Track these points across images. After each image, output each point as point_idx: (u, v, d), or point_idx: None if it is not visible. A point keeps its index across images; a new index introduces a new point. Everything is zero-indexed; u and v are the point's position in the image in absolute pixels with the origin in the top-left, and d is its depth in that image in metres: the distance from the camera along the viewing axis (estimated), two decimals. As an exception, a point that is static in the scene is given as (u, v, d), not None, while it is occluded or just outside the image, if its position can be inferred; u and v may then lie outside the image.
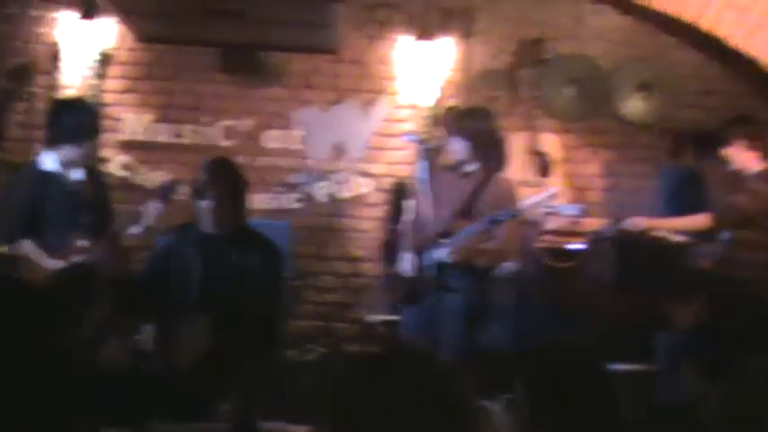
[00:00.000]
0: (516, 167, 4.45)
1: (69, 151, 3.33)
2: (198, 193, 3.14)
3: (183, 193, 3.50)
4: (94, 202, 3.42)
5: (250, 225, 3.36)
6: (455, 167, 3.52)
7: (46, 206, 3.36)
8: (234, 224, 3.20)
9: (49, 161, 3.36)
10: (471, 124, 3.50)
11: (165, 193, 3.41)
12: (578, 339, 4.04)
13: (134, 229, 3.30)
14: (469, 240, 3.40)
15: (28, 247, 3.34)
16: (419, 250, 3.56)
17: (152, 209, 3.29)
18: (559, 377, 1.63)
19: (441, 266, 3.45)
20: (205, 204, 3.10)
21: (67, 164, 3.36)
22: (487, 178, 3.47)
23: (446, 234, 3.45)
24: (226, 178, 3.17)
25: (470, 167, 3.47)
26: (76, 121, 3.36)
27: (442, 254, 3.42)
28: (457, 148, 3.45)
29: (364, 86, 4.68)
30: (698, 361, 4.01)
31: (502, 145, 3.61)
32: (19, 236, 3.36)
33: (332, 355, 4.47)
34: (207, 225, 3.15)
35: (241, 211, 3.25)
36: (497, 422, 2.70)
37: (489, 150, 3.50)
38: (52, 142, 3.36)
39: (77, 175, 3.39)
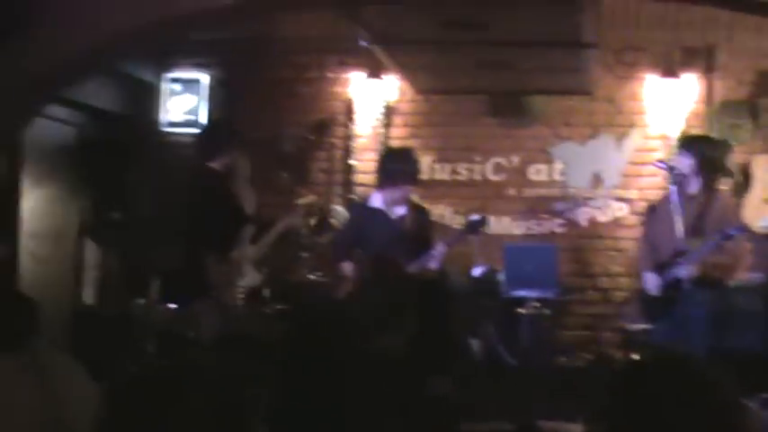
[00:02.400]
0: (760, 186, 7.89)
1: (391, 192, 6.11)
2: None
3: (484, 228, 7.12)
4: (413, 234, 6.16)
5: None
6: (681, 184, 5.98)
7: (368, 236, 6.13)
8: None
9: (376, 200, 6.20)
10: (696, 145, 6.15)
11: (473, 227, 6.52)
12: None
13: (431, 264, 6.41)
14: (704, 256, 5.82)
15: (348, 269, 6.18)
16: (659, 268, 6.14)
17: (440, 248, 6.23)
18: None
19: (681, 282, 5.97)
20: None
21: (390, 203, 6.12)
22: (711, 199, 5.97)
23: (681, 253, 5.95)
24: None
25: (693, 187, 5.98)
26: (397, 167, 6.11)
27: (681, 271, 5.96)
28: (682, 164, 6.03)
29: (617, 122, 8.20)
30: None
31: (725, 170, 6.59)
32: (342, 259, 6.24)
33: (598, 361, 7.78)
34: None
35: None
36: (758, 420, 4.85)
37: (711, 172, 6.05)
38: (379, 184, 6.24)
39: (399, 211, 6.16)
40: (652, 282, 6.21)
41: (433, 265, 6.18)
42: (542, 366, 7.31)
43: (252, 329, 6.32)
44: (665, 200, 6.24)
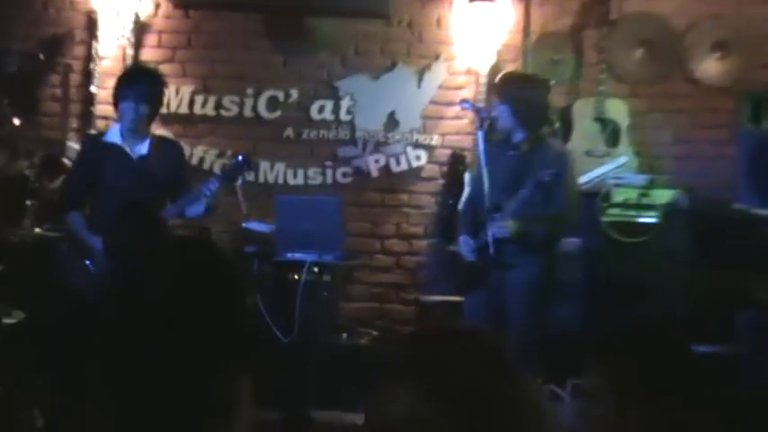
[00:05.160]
0: (581, 136, 8.15)
1: (121, 117, 6.16)
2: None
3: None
4: (160, 176, 6.16)
5: None
6: (504, 137, 6.36)
7: (102, 179, 6.14)
8: None
9: (113, 134, 6.22)
10: (515, 91, 6.35)
11: (234, 171, 6.37)
12: (656, 321, 6.16)
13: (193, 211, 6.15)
14: (522, 210, 6.07)
15: (75, 222, 6.17)
16: (476, 229, 6.33)
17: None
18: (647, 362, 2.68)
19: (498, 243, 6.15)
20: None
21: (128, 134, 6.18)
22: (536, 146, 6.28)
23: (498, 208, 6.14)
24: None
25: (517, 136, 6.27)
26: (118, 83, 6.19)
27: (496, 229, 6.13)
28: (502, 115, 6.30)
29: (417, 52, 8.24)
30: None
31: (549, 112, 6.69)
32: (68, 207, 6.22)
33: (384, 338, 7.90)
34: None
35: None
36: (562, 413, 5.19)
37: (535, 118, 6.35)
38: (117, 113, 6.29)
39: (141, 149, 6.20)
40: (466, 245, 6.47)
41: (191, 213, 6.33)
42: (320, 345, 7.44)
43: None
44: (494, 146, 6.60)
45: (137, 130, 6.31)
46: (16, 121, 7.51)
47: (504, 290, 6.33)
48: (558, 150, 6.57)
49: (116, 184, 6.24)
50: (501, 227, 6.18)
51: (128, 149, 6.30)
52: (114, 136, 6.35)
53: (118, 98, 6.31)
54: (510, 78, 6.83)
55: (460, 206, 7.33)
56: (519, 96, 6.41)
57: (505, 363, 2.02)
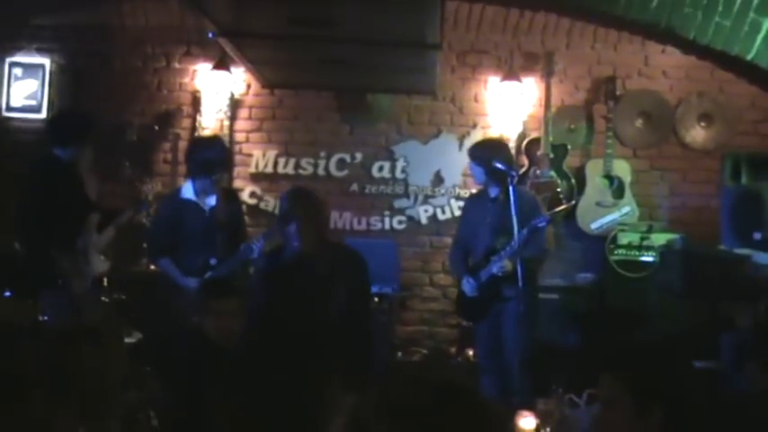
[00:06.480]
0: (593, 190, 9.61)
1: (203, 182, 6.65)
2: (283, 220, 6.12)
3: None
4: (226, 225, 6.73)
5: (332, 240, 6.27)
6: (482, 192, 7.14)
7: (181, 229, 6.65)
8: (318, 242, 5.96)
9: (187, 190, 6.74)
10: (481, 152, 7.04)
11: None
12: (657, 341, 6.91)
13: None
14: (515, 251, 6.71)
15: (166, 267, 6.71)
16: (474, 270, 7.13)
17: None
18: (661, 371, 2.98)
19: (495, 280, 6.93)
20: (291, 229, 6.01)
21: (202, 192, 6.70)
22: (507, 196, 6.78)
23: (494, 251, 6.94)
24: (303, 204, 6.06)
25: (493, 191, 6.94)
26: (208, 156, 6.61)
27: (496, 269, 6.90)
28: (477, 174, 7.13)
29: (459, 122, 9.73)
30: (759, 358, 5.40)
31: (512, 168, 7.21)
32: (159, 255, 6.81)
33: (434, 356, 9.32)
34: (295, 246, 5.97)
35: (321, 230, 6.08)
36: (580, 419, 5.70)
37: (502, 173, 6.83)
38: (189, 174, 6.81)
39: (211, 202, 6.71)
40: (468, 285, 7.28)
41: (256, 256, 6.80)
42: (379, 361, 7.76)
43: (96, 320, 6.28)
44: (475, 200, 7.60)
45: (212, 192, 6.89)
46: (143, 184, 8.85)
47: (501, 318, 7.12)
48: (530, 197, 7.29)
49: (194, 232, 6.81)
50: (501, 267, 6.95)
51: (201, 204, 6.89)
52: (188, 193, 6.88)
53: (198, 170, 6.83)
54: (480, 144, 7.60)
55: (450, 250, 7.94)
56: (487, 157, 7.09)
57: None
